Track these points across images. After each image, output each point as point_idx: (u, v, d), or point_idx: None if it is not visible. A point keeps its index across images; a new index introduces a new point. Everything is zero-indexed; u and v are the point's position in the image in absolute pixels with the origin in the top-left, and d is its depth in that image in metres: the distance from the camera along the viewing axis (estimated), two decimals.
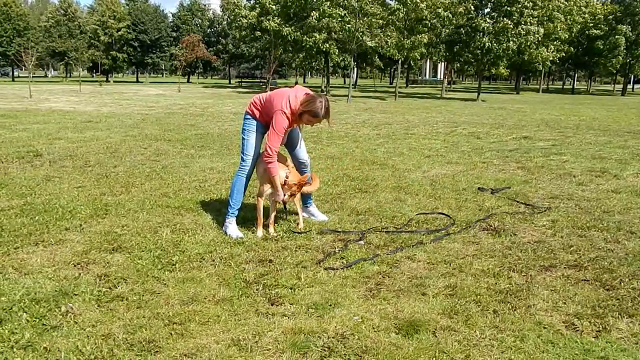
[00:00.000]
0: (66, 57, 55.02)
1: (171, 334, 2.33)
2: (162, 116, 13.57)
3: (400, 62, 31.52)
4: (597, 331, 2.45)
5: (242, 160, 3.92)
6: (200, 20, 62.33)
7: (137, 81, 57.43)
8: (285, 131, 3.73)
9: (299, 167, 4.12)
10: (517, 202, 4.89)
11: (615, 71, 48.29)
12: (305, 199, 4.27)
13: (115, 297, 2.68)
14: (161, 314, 2.50)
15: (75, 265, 3.09)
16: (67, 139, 8.66)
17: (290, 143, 4.06)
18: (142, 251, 3.33)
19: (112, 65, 57.72)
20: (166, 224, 3.92)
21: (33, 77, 40.48)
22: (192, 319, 2.46)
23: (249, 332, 2.36)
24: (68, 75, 60.79)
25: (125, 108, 16.32)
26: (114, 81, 54.63)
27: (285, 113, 3.60)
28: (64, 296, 2.65)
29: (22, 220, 3.90)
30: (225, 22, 58.62)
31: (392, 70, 63.57)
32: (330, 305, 2.65)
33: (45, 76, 69.62)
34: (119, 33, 55.12)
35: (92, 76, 64.20)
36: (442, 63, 52.07)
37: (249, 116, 3.90)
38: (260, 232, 3.76)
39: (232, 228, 3.79)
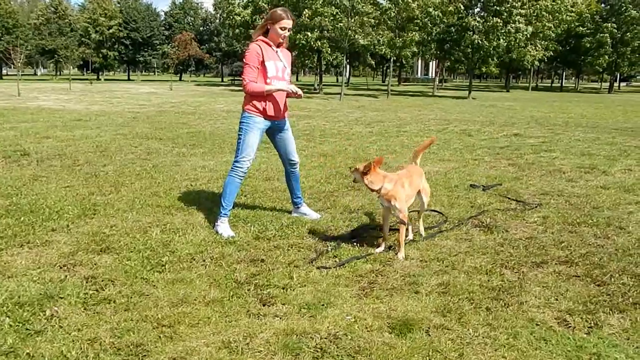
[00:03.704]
0: (56, 55, 54.39)
1: (160, 337, 2.28)
2: (153, 114, 13.45)
3: (392, 60, 31.57)
4: (589, 327, 2.45)
5: (236, 161, 3.80)
6: (192, 19, 61.97)
7: (129, 79, 56.93)
8: (260, 62, 3.65)
9: (290, 167, 4.09)
10: (509, 198, 4.89)
11: (602, 69, 48.78)
12: (297, 199, 4.24)
13: (102, 299, 2.62)
14: (150, 316, 2.45)
15: (61, 267, 3.03)
16: (56, 137, 8.54)
17: (282, 145, 4.01)
18: (131, 252, 3.28)
19: (103, 64, 57.19)
20: (156, 224, 3.87)
21: (22, 75, 39.93)
22: (182, 321, 2.42)
23: (240, 334, 2.32)
24: (58, 73, 60.13)
25: (116, 106, 16.16)
26: (105, 79, 54.11)
27: (251, 45, 3.70)
28: (49, 299, 2.59)
29: (7, 221, 3.82)
30: (218, 21, 58.30)
31: (384, 68, 63.62)
32: (323, 305, 2.62)
33: (35, 74, 68.78)
34: (110, 31, 54.62)
35: (83, 74, 63.57)
36: (434, 61, 52.21)
37: (247, 112, 3.79)
38: (402, 254, 3.34)
39: (224, 227, 3.74)
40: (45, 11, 55.69)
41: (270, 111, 3.78)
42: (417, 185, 3.64)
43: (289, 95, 3.83)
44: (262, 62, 3.66)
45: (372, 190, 3.43)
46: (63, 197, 4.58)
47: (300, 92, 3.76)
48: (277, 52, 3.77)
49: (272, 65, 3.70)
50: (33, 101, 17.70)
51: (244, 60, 3.71)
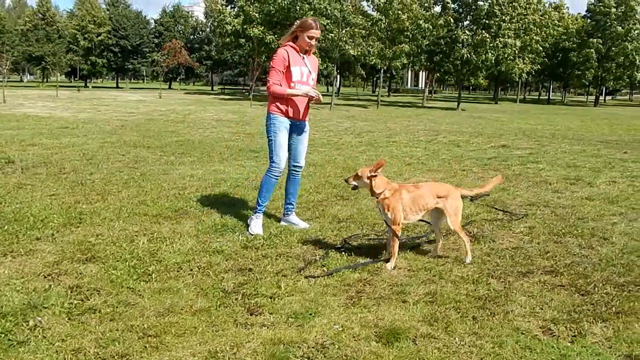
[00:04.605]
0: (43, 62, 53.84)
1: (145, 347, 2.26)
2: (141, 122, 13.37)
3: (382, 71, 31.89)
4: (572, 336, 2.48)
5: (273, 162, 3.99)
6: (183, 27, 61.96)
7: (117, 87, 56.58)
8: (285, 66, 3.85)
9: (294, 169, 4.19)
10: (496, 209, 4.94)
11: (588, 83, 49.72)
12: (289, 205, 4.25)
13: (87, 309, 2.59)
14: (135, 326, 2.43)
15: (45, 277, 2.99)
16: (42, 145, 8.44)
17: (295, 145, 4.13)
18: (117, 261, 3.25)
19: (91, 71, 56.78)
20: (143, 233, 3.84)
21: (7, 81, 39.46)
22: (168, 331, 2.40)
23: (227, 344, 2.31)
24: (45, 80, 59.50)
25: (103, 114, 16.03)
26: (93, 87, 53.70)
27: (278, 49, 3.90)
28: (33, 309, 2.55)
29: None
30: (208, 29, 58.38)
31: (374, 79, 64.17)
32: (311, 314, 2.62)
33: (21, 80, 67.95)
34: (99, 38, 54.30)
35: (71, 81, 63.02)
36: (424, 73, 52.89)
37: (272, 114, 3.97)
38: (392, 264, 3.34)
39: (255, 223, 3.95)
40: (32, 17, 55.14)
41: (291, 113, 3.98)
42: (428, 203, 3.49)
43: (310, 99, 3.98)
44: (288, 67, 3.85)
45: (373, 194, 3.46)
46: (48, 206, 4.53)
47: (319, 96, 3.93)
48: (303, 58, 3.96)
49: (297, 70, 3.89)
50: (19, 108, 17.47)
51: (270, 63, 3.92)
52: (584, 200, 5.43)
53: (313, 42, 3.90)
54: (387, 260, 3.38)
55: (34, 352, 2.20)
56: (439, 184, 3.80)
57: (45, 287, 2.83)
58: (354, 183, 3.52)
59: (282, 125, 3.97)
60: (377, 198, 3.45)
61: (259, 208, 4.04)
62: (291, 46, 3.91)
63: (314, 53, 4.17)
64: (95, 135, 10.16)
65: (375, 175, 3.41)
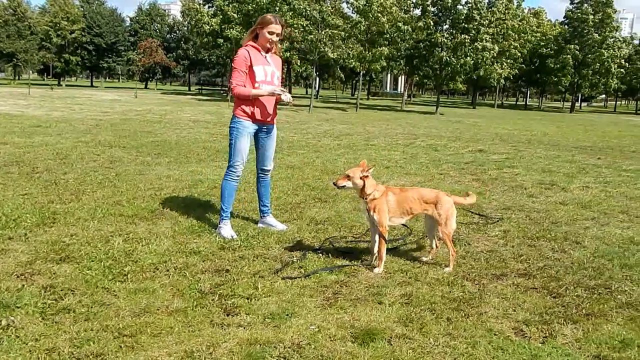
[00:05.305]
0: (15, 59, 52.27)
1: (121, 346, 2.23)
2: (117, 122, 13.13)
3: (361, 74, 32.13)
4: (543, 337, 2.55)
5: (230, 166, 3.91)
6: (159, 25, 61.08)
7: (92, 86, 55.35)
8: (247, 66, 3.76)
9: (262, 173, 4.16)
10: (472, 212, 5.04)
11: (564, 89, 51.08)
12: (264, 207, 4.24)
13: (61, 309, 2.54)
14: (110, 326, 2.40)
15: (18, 277, 2.92)
16: (14, 144, 8.20)
17: (262, 149, 4.09)
18: (92, 261, 3.19)
19: (64, 69, 55.42)
20: (118, 233, 3.78)
21: None
22: (144, 331, 2.37)
23: (203, 344, 2.30)
24: (17, 77, 57.77)
25: (77, 113, 15.67)
26: (67, 85, 52.37)
27: (239, 50, 3.80)
28: (5, 309, 2.49)
29: None
30: (186, 28, 57.73)
31: (353, 82, 64.61)
32: (287, 314, 2.63)
33: None
34: (73, 35, 53.05)
35: (43, 79, 61.39)
36: (403, 76, 53.48)
37: (237, 117, 3.88)
38: (381, 269, 3.35)
39: (226, 229, 3.87)
40: (3, 12, 53.35)
41: (258, 115, 3.87)
42: (414, 208, 3.48)
43: (278, 101, 3.91)
44: (250, 67, 3.76)
45: (362, 195, 3.42)
46: (21, 205, 4.41)
47: (289, 96, 3.80)
48: (266, 57, 3.86)
49: (261, 70, 3.79)
50: None
51: (232, 64, 3.83)
52: (558, 204, 5.59)
53: (274, 37, 3.78)
54: (363, 261, 3.41)
55: (7, 351, 2.15)
56: (426, 190, 3.75)
57: (18, 287, 2.77)
58: (345, 184, 3.42)
59: (246, 130, 3.87)
60: (367, 199, 3.43)
61: (224, 215, 3.93)
62: (252, 46, 3.80)
63: (276, 52, 4.01)
64: (69, 134, 9.92)
65: (367, 176, 3.42)
